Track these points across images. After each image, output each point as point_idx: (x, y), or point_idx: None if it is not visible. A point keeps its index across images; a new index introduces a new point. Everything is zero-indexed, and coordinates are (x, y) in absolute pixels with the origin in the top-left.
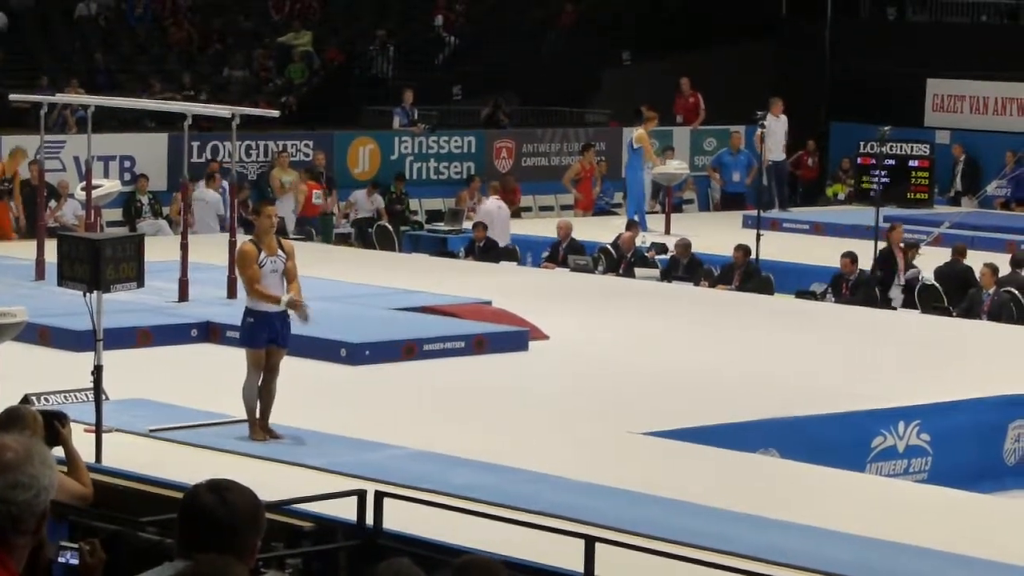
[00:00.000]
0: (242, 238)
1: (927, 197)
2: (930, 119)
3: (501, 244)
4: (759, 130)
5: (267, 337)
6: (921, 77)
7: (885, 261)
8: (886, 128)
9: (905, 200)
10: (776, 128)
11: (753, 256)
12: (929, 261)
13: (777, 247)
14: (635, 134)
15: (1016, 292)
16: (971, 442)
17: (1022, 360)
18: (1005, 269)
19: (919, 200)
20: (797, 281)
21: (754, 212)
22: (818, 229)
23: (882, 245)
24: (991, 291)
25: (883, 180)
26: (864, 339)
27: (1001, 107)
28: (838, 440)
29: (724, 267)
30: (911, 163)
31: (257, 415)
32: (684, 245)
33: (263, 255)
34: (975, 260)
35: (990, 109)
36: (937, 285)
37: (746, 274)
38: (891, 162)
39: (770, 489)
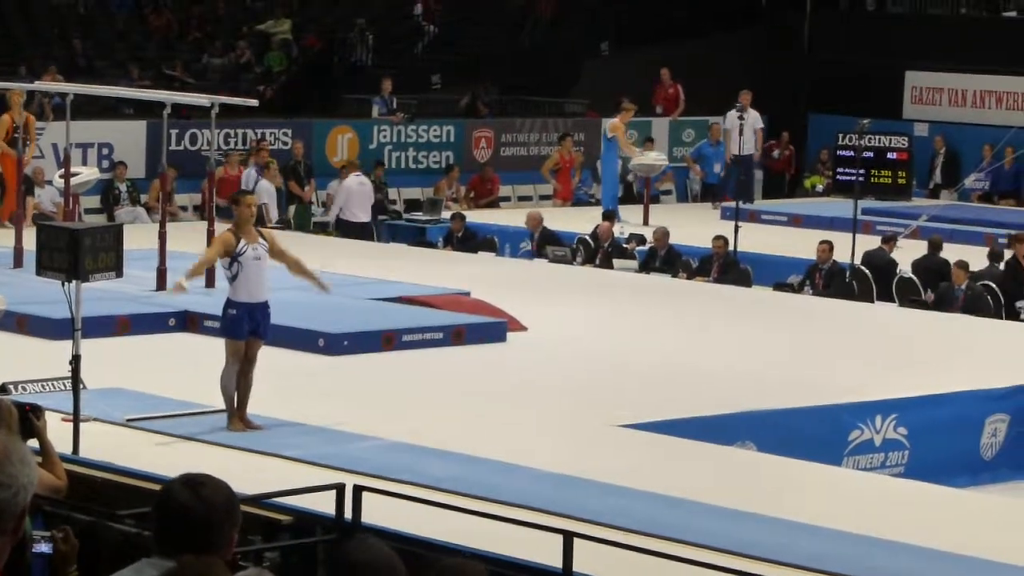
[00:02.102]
0: (222, 227)
1: (905, 189)
2: (909, 111)
3: (361, 220)
4: (727, 122)
5: (248, 328)
6: (900, 69)
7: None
8: (865, 121)
9: (882, 192)
10: (745, 120)
11: (731, 248)
12: (907, 254)
13: (755, 239)
14: (609, 124)
15: (993, 285)
16: (948, 436)
17: (999, 354)
18: (983, 262)
19: (896, 192)
20: (775, 273)
21: (732, 204)
22: (796, 221)
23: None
24: (963, 286)
25: (860, 172)
26: (841, 332)
27: (980, 100)
28: (815, 433)
29: (702, 259)
30: (888, 155)
31: (235, 405)
32: (662, 233)
33: (243, 243)
34: (953, 253)
35: (969, 102)
36: (914, 278)
37: (724, 266)
38: (869, 155)
39: (747, 482)
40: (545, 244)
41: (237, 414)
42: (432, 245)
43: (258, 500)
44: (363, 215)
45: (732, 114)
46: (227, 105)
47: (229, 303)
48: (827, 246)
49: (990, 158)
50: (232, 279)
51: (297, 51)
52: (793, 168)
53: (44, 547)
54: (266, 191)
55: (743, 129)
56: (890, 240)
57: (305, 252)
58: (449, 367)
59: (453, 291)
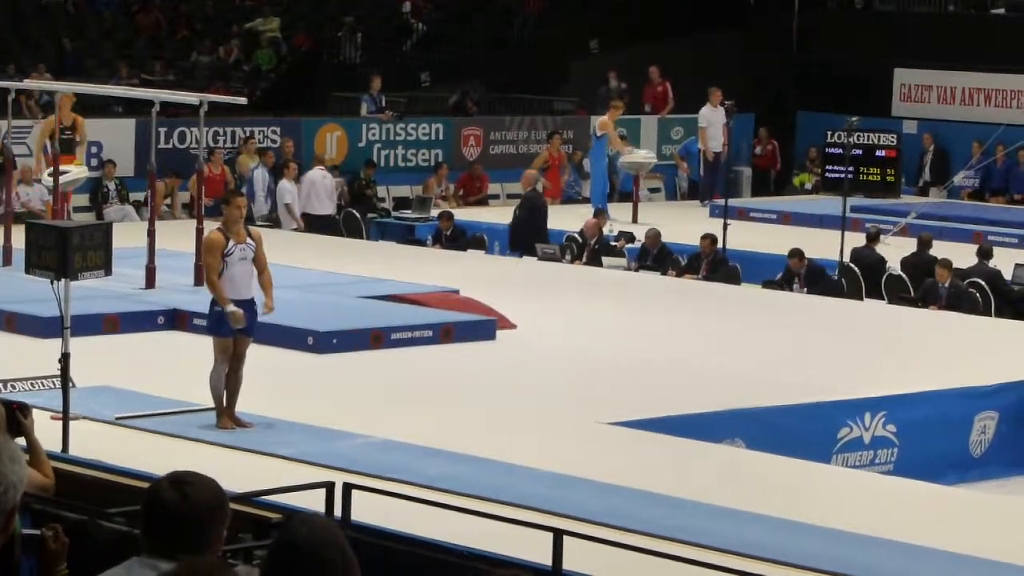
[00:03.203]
0: (211, 225)
1: (894, 186)
2: (897, 109)
3: (323, 213)
4: (703, 119)
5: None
6: (889, 67)
7: None
8: (854, 118)
9: (871, 190)
10: (714, 119)
11: (720, 245)
12: (896, 251)
13: (744, 237)
14: (598, 121)
15: (983, 283)
16: (937, 433)
17: (987, 351)
18: (972, 260)
19: (885, 189)
20: (764, 271)
21: (721, 201)
22: (786, 219)
23: None
24: (946, 284)
25: (849, 170)
26: (831, 329)
27: (969, 97)
28: (804, 431)
29: (691, 256)
30: (877, 153)
31: (224, 403)
32: (654, 236)
33: (231, 243)
34: (942, 251)
35: (957, 99)
36: (903, 275)
37: (713, 264)
38: (858, 152)
39: (736, 480)
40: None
41: (226, 412)
42: (421, 243)
43: (247, 498)
44: (325, 208)
45: (706, 111)
46: (216, 103)
47: (215, 301)
48: (798, 257)
49: (979, 155)
50: (218, 277)
51: (286, 49)
52: (778, 164)
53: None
54: (288, 191)
55: (715, 126)
56: (875, 237)
57: (294, 250)
58: (438, 365)
59: (442, 289)
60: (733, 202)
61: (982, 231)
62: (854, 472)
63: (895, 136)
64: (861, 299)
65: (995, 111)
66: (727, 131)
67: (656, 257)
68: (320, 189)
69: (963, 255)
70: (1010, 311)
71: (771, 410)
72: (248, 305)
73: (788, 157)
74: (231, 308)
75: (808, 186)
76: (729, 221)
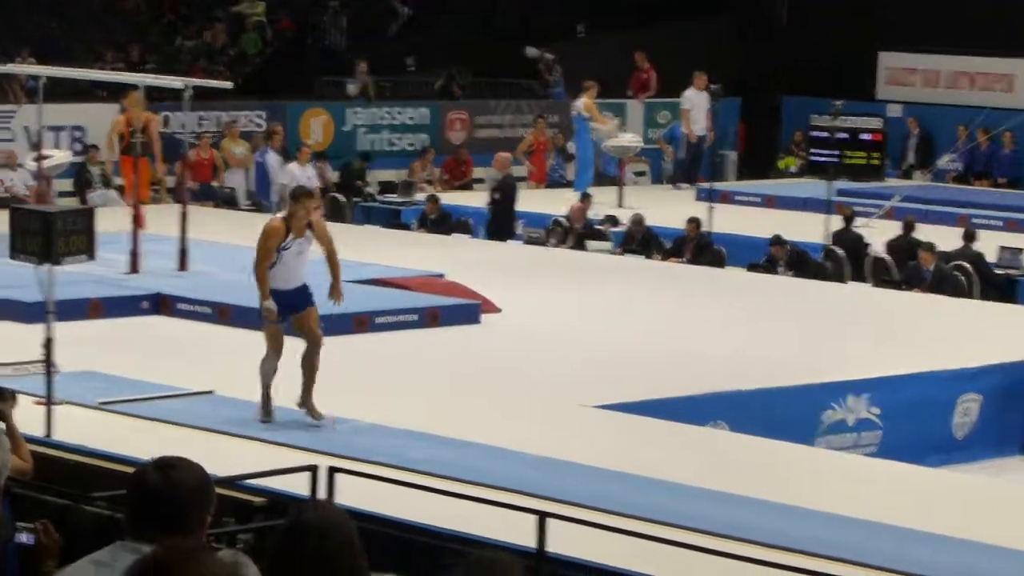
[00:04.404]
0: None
1: (879, 170)
2: (882, 92)
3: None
4: (687, 102)
5: (283, 314)
6: (873, 51)
7: None
8: (839, 102)
9: (856, 173)
10: (698, 102)
11: (705, 229)
12: (881, 235)
13: (729, 220)
14: (581, 103)
15: (967, 265)
16: (921, 416)
17: (971, 334)
18: (957, 243)
19: (870, 173)
20: (749, 254)
21: (708, 185)
22: (771, 202)
23: None
24: (930, 268)
25: (834, 153)
26: (815, 312)
27: (953, 81)
28: (788, 413)
29: (676, 240)
30: (862, 136)
31: (271, 391)
32: (637, 221)
33: (290, 238)
34: (927, 234)
35: (942, 83)
36: (887, 258)
37: (698, 247)
38: (843, 136)
39: (720, 463)
40: (502, 189)
41: (301, 399)
42: (406, 227)
43: (232, 482)
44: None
45: (690, 94)
46: (201, 88)
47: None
48: (779, 244)
49: (964, 139)
50: (270, 269)
51: (271, 33)
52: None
53: (25, 538)
54: (305, 178)
55: (698, 110)
56: (849, 218)
57: None
58: (423, 349)
59: (427, 273)
60: (718, 186)
61: (966, 214)
62: (838, 454)
63: (880, 120)
64: (844, 281)
65: (980, 94)
66: (712, 115)
67: (641, 241)
68: (301, 181)
69: (948, 238)
70: (994, 294)
71: (755, 393)
72: (295, 292)
73: (774, 141)
74: (268, 303)
75: (793, 169)
76: (714, 205)
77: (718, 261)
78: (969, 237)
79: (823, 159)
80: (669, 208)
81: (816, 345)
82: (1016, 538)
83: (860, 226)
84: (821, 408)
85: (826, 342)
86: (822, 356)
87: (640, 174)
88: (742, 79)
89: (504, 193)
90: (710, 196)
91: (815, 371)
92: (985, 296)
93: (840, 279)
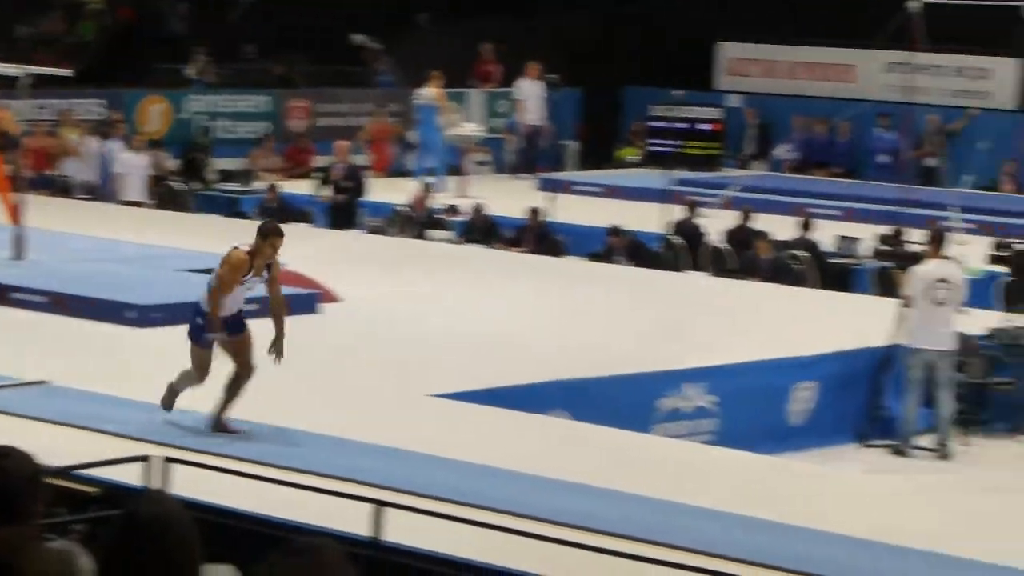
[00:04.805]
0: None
1: (717, 160)
2: (721, 83)
3: (133, 199)
4: (520, 93)
5: (211, 339)
6: (713, 40)
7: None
8: (678, 92)
9: (695, 163)
10: (531, 92)
11: (546, 218)
12: (719, 224)
13: (570, 210)
14: (431, 92)
15: (804, 255)
16: (756, 403)
17: (807, 322)
18: (794, 232)
19: (708, 163)
20: (589, 243)
21: (548, 175)
22: (610, 192)
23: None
24: (767, 256)
25: (673, 143)
26: (653, 301)
27: (792, 71)
28: (626, 401)
29: (517, 229)
30: (701, 126)
31: (175, 392)
32: (478, 211)
33: (251, 274)
34: (765, 223)
35: (781, 73)
36: (725, 247)
37: (539, 236)
38: (682, 126)
39: (560, 451)
40: (351, 178)
41: (216, 417)
42: (246, 216)
43: (65, 472)
44: (136, 194)
45: (524, 84)
46: (39, 75)
47: (198, 310)
48: (616, 235)
49: (801, 129)
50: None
51: (110, 20)
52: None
53: None
54: (140, 166)
55: (532, 100)
56: (693, 208)
57: (112, 223)
58: (262, 339)
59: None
60: (558, 175)
61: (804, 204)
62: (674, 441)
63: (719, 110)
64: (683, 271)
65: (818, 85)
66: (546, 105)
67: (482, 230)
68: (135, 169)
69: (785, 227)
70: (831, 283)
71: (594, 381)
72: (233, 316)
73: (614, 131)
74: (216, 335)
75: (633, 159)
76: (554, 194)
77: (558, 250)
78: (806, 226)
79: (662, 149)
80: (510, 198)
81: (654, 333)
82: (849, 525)
83: (701, 216)
84: (658, 396)
85: (663, 331)
86: (660, 344)
87: (482, 164)
88: (582, 69)
89: (353, 182)
90: (551, 186)
91: (653, 359)
92: (822, 285)
93: (678, 268)
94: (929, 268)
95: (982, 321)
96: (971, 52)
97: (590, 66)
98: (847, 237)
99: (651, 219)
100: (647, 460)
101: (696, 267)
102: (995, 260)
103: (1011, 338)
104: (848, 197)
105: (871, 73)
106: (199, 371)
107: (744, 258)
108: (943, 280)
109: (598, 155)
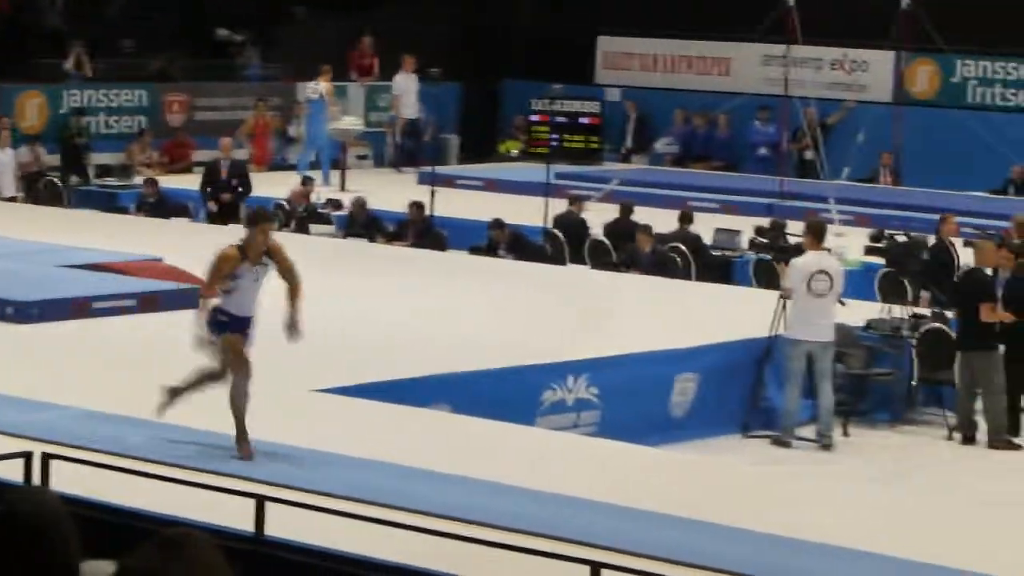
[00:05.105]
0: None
1: (598, 153)
2: (601, 76)
3: (5, 196)
4: (397, 87)
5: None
6: (592, 34)
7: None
8: (558, 86)
9: (575, 157)
10: (408, 86)
11: (428, 212)
12: (600, 218)
13: (451, 204)
14: (321, 87)
15: (684, 247)
16: (639, 395)
17: (688, 314)
18: (673, 224)
19: (589, 156)
20: (471, 237)
21: (429, 169)
22: (491, 186)
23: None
24: (648, 249)
25: (554, 137)
26: (535, 294)
27: (671, 65)
28: (509, 394)
29: (399, 223)
30: (581, 120)
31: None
32: (360, 205)
33: (245, 265)
34: (645, 216)
35: (660, 67)
36: (606, 240)
37: (421, 231)
38: (562, 119)
39: (442, 444)
40: (238, 176)
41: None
42: (124, 211)
43: None
44: (7, 190)
45: (400, 78)
46: None
47: (220, 311)
48: (498, 228)
49: (681, 123)
50: (225, 293)
51: None
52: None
53: None
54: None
55: (409, 94)
56: (577, 201)
57: None
58: (142, 334)
59: (145, 257)
60: (440, 169)
61: (683, 197)
62: (558, 434)
63: (598, 103)
64: (564, 263)
65: (697, 78)
66: (424, 98)
67: (364, 224)
68: (4, 171)
69: (665, 220)
70: (711, 275)
71: (476, 374)
72: (246, 320)
73: (494, 125)
74: (203, 335)
75: (514, 153)
76: (436, 188)
77: (440, 244)
78: (686, 219)
79: (543, 143)
80: (391, 192)
81: (536, 326)
82: (730, 516)
83: (582, 210)
84: (541, 388)
85: (546, 324)
86: (542, 337)
87: (363, 158)
88: (462, 63)
89: (241, 181)
90: (432, 180)
91: (535, 352)
92: (702, 277)
93: (559, 261)
94: (808, 260)
95: (861, 312)
96: (848, 45)
97: (470, 60)
98: (726, 230)
99: (533, 213)
100: (529, 452)
101: (577, 260)
102: (873, 252)
103: (890, 328)
104: (727, 190)
105: (749, 66)
106: (240, 367)
107: (625, 251)
108: (822, 272)
109: (479, 149)
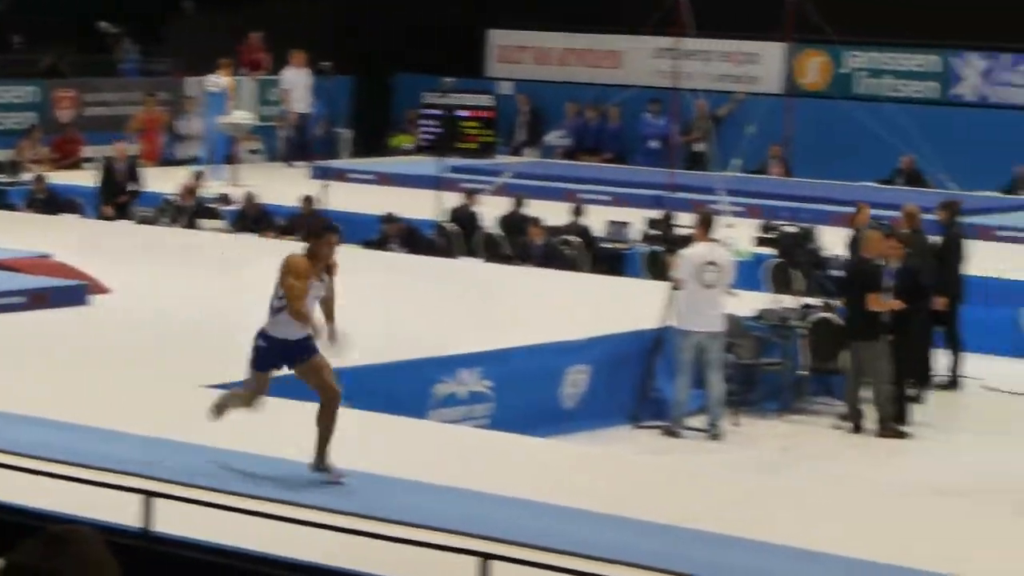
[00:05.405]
0: None
1: (490, 147)
2: (493, 70)
3: None
4: (285, 82)
5: (273, 363)
6: (484, 27)
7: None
8: (450, 79)
9: (468, 150)
10: (297, 81)
11: (320, 207)
12: (492, 211)
13: (344, 198)
14: (223, 80)
15: (576, 240)
16: (530, 387)
17: (580, 306)
18: (566, 218)
19: (481, 150)
20: (364, 231)
21: (321, 163)
22: (384, 180)
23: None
24: (540, 242)
25: (446, 130)
26: (427, 288)
27: (563, 58)
28: (402, 388)
29: (290, 218)
30: (473, 113)
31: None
32: (250, 199)
33: (311, 280)
34: (537, 209)
35: (552, 60)
36: (499, 233)
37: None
38: (454, 113)
39: (336, 439)
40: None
41: (317, 460)
42: (13, 208)
43: None
44: None
45: (289, 73)
46: None
47: (264, 335)
48: (391, 223)
49: (573, 115)
50: (276, 312)
51: None
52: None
53: None
54: None
55: (298, 88)
56: (471, 195)
57: None
58: (31, 331)
59: (34, 254)
60: (332, 163)
61: (575, 189)
62: (450, 427)
63: (491, 97)
64: (458, 257)
65: (589, 71)
66: (314, 93)
67: (254, 219)
68: None
69: (557, 213)
70: (602, 267)
71: (369, 368)
72: (298, 341)
73: (387, 119)
74: (328, 333)
75: (407, 147)
76: (328, 182)
77: None
78: (577, 212)
79: (435, 136)
80: (283, 186)
81: (428, 320)
82: (621, 506)
83: (475, 203)
84: (433, 382)
85: (438, 317)
86: (435, 330)
87: (254, 152)
88: (353, 57)
89: (136, 180)
90: (324, 174)
91: (428, 345)
92: (594, 269)
93: (452, 255)
94: (698, 251)
95: (750, 303)
96: (738, 37)
97: (363, 53)
98: (617, 222)
99: (425, 206)
100: (419, 445)
101: (470, 253)
102: (763, 242)
103: (779, 319)
104: (618, 182)
105: (640, 59)
106: (253, 393)
107: (517, 244)
108: (711, 263)
109: (372, 143)
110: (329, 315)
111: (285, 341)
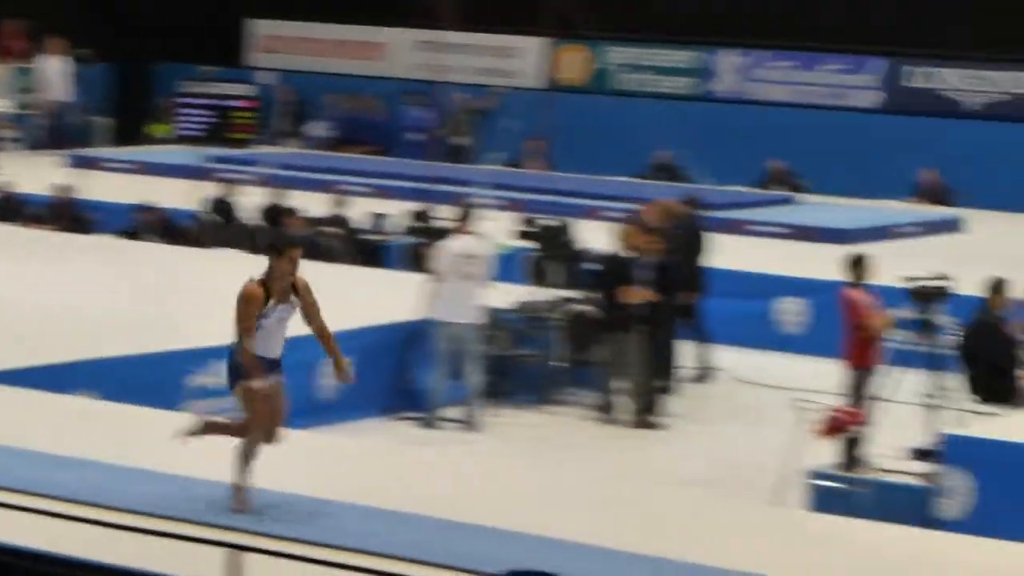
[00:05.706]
0: None
1: (251, 137)
2: (256, 59)
3: None
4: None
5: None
6: (245, 16)
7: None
8: (208, 68)
9: (228, 140)
10: (54, 68)
11: (75, 195)
12: (253, 201)
13: (100, 186)
14: None
15: (337, 231)
16: (288, 378)
17: (343, 298)
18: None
19: (241, 140)
20: (119, 220)
21: (78, 151)
22: (143, 169)
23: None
24: (300, 233)
25: (206, 120)
26: (181, 278)
27: (324, 49)
28: (155, 379)
29: (45, 206)
30: (234, 103)
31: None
32: (3, 188)
33: (271, 303)
34: (299, 201)
35: (315, 51)
36: (260, 225)
37: (66, 214)
38: (214, 102)
39: (89, 431)
40: None
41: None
42: None
43: None
44: None
45: (44, 61)
46: None
47: (236, 353)
48: (147, 211)
49: (335, 106)
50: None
51: None
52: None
53: None
54: None
55: (55, 76)
56: (231, 185)
57: None
58: None
59: None
60: (89, 152)
61: (336, 181)
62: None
63: (252, 87)
64: (216, 248)
65: (352, 63)
66: (74, 80)
67: (7, 207)
68: None
69: (318, 204)
70: (362, 258)
71: (123, 360)
72: (273, 362)
73: (145, 107)
74: (258, 384)
75: (165, 136)
76: (84, 171)
77: (85, 228)
78: (338, 203)
79: (194, 126)
80: (39, 174)
81: (182, 310)
82: (378, 497)
83: (235, 194)
84: (185, 373)
85: (192, 308)
86: (189, 322)
87: (13, 140)
88: (114, 45)
89: None
90: (81, 163)
91: (181, 336)
92: (354, 261)
93: (210, 245)
94: (456, 243)
95: (509, 295)
96: (499, 31)
97: (123, 41)
98: (378, 214)
99: (185, 196)
100: (171, 437)
101: (229, 244)
102: (522, 236)
103: (535, 311)
104: (379, 174)
105: (401, 51)
106: (260, 424)
107: (271, 235)
108: (470, 255)
109: (131, 132)
110: (329, 348)
111: (264, 359)
